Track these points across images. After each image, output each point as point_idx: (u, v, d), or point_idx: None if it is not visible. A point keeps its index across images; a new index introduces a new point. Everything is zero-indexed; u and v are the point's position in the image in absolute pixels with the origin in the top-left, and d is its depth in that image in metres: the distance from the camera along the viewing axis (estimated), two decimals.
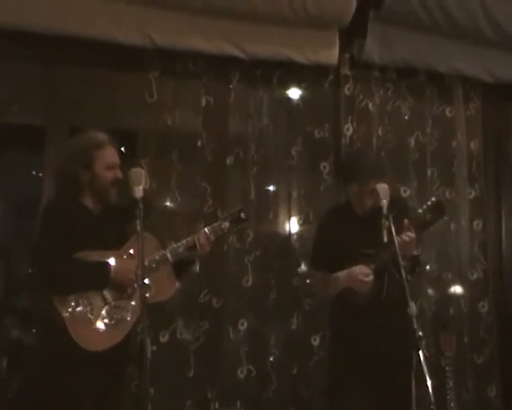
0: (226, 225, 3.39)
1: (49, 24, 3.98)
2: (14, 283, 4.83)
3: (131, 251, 3.17)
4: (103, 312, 3.04)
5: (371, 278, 3.28)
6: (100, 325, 3.02)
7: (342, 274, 3.38)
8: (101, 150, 3.19)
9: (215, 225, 3.37)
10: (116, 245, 3.17)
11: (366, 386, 3.36)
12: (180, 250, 3.25)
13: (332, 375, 3.63)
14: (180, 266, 3.32)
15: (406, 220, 3.26)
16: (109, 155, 3.21)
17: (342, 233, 3.46)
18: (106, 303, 3.06)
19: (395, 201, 3.31)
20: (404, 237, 3.20)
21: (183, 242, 3.27)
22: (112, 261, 3.09)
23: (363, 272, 3.29)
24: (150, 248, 3.11)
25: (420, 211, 3.32)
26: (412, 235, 3.22)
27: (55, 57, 4.17)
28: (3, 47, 4.06)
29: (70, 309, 2.96)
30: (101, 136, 3.24)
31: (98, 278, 3.05)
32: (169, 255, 3.22)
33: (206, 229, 3.32)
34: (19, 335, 4.45)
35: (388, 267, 3.28)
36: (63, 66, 4.24)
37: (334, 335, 3.73)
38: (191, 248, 3.27)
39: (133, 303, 3.11)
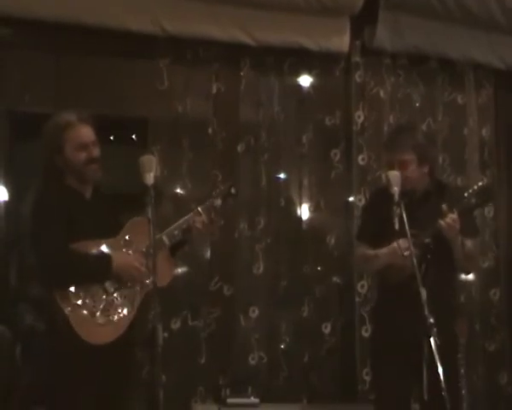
0: (218, 202, 3.31)
1: (61, 13, 4.00)
2: (28, 270, 4.85)
3: (128, 237, 3.11)
4: (105, 304, 2.97)
5: (408, 253, 3.19)
6: (103, 318, 2.94)
7: (383, 251, 3.37)
8: (70, 131, 3.06)
9: (207, 203, 3.29)
10: (110, 228, 3.10)
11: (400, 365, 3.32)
12: (176, 233, 3.17)
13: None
14: (172, 248, 3.23)
15: (444, 205, 3.23)
16: (79, 136, 3.07)
17: (387, 211, 3.31)
18: (107, 294, 2.98)
19: (438, 183, 3.51)
20: (447, 219, 3.18)
21: (180, 222, 3.19)
22: (111, 252, 3.03)
23: (402, 247, 3.15)
24: (145, 232, 2.84)
25: (466, 194, 3.27)
26: (454, 216, 3.18)
27: (67, 46, 4.18)
28: (16, 36, 4.08)
29: (72, 304, 2.89)
30: (69, 116, 3.09)
31: (100, 273, 2.99)
32: (165, 239, 3.14)
33: (199, 208, 3.24)
34: (32, 322, 4.47)
35: (431, 251, 3.28)
36: (74, 54, 4.25)
37: (374, 315, 3.82)
38: (186, 230, 3.19)
39: (134, 291, 3.04)
